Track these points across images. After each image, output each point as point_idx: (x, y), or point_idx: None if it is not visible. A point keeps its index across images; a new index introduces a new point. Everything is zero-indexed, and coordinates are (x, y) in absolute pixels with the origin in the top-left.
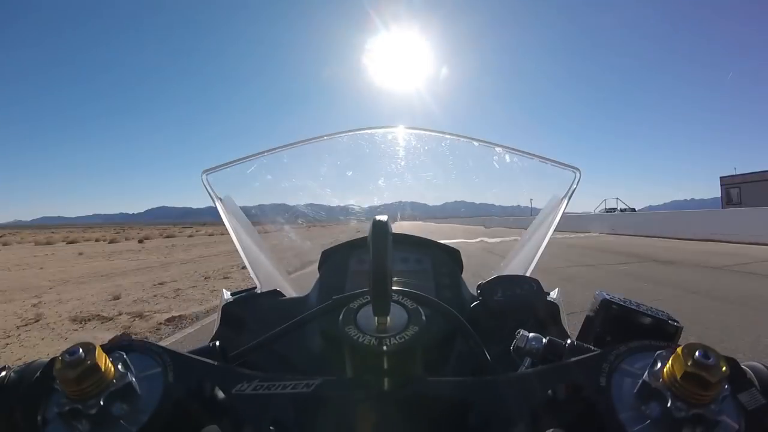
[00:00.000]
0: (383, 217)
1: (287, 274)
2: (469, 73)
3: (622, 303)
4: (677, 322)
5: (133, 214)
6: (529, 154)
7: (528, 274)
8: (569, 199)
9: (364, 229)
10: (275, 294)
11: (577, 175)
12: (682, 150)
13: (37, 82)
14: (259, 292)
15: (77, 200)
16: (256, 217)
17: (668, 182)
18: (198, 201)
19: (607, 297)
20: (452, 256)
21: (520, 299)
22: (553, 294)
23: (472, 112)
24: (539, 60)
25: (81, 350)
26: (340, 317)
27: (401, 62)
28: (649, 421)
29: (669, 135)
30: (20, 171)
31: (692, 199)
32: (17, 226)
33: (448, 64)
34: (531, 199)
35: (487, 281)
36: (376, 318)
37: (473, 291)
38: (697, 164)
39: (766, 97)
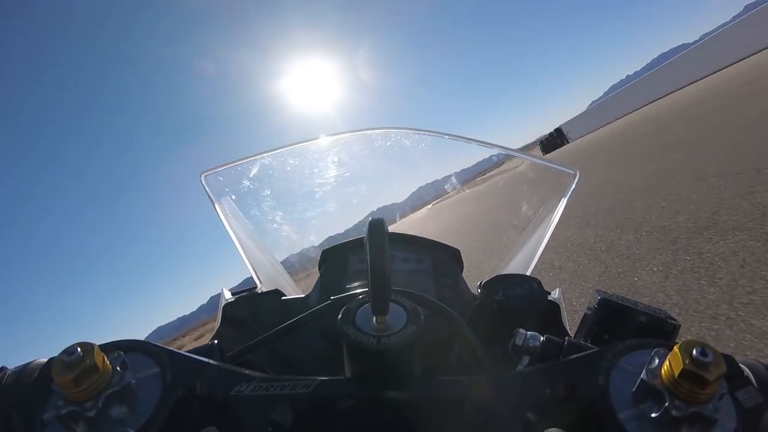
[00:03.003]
0: (380, 218)
1: (287, 273)
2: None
3: (619, 301)
4: (675, 320)
5: None
6: (528, 155)
7: (528, 274)
8: (567, 199)
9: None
10: (276, 294)
11: (576, 176)
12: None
13: None
14: (259, 292)
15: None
16: (254, 216)
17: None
18: (187, 306)
19: (605, 295)
20: (452, 255)
21: (520, 299)
22: (554, 293)
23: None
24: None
25: (79, 350)
26: (339, 317)
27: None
28: (647, 419)
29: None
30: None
31: (627, 76)
32: None
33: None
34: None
35: (488, 280)
36: (374, 318)
37: (474, 290)
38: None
39: None
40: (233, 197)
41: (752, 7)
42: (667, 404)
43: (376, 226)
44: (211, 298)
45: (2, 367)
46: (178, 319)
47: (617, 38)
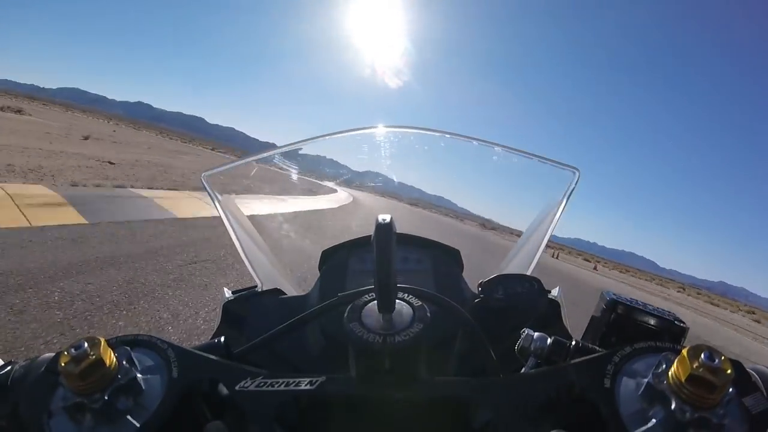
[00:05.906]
0: (387, 216)
1: (288, 273)
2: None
3: (628, 303)
4: (683, 323)
5: (45, 88)
6: (529, 153)
7: (529, 273)
8: (568, 199)
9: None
10: (276, 293)
11: (577, 175)
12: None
13: None
14: (260, 290)
15: None
16: (255, 216)
17: None
18: (114, 92)
19: (614, 297)
20: (452, 255)
21: (521, 298)
22: (554, 292)
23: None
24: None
25: (86, 344)
26: (345, 314)
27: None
28: (653, 423)
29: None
30: None
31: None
32: None
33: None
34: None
35: (488, 280)
36: (380, 315)
37: (474, 290)
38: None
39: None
40: (234, 196)
41: (724, 286)
42: (673, 408)
43: (384, 223)
44: None
45: (10, 361)
46: (97, 95)
47: (600, 213)
